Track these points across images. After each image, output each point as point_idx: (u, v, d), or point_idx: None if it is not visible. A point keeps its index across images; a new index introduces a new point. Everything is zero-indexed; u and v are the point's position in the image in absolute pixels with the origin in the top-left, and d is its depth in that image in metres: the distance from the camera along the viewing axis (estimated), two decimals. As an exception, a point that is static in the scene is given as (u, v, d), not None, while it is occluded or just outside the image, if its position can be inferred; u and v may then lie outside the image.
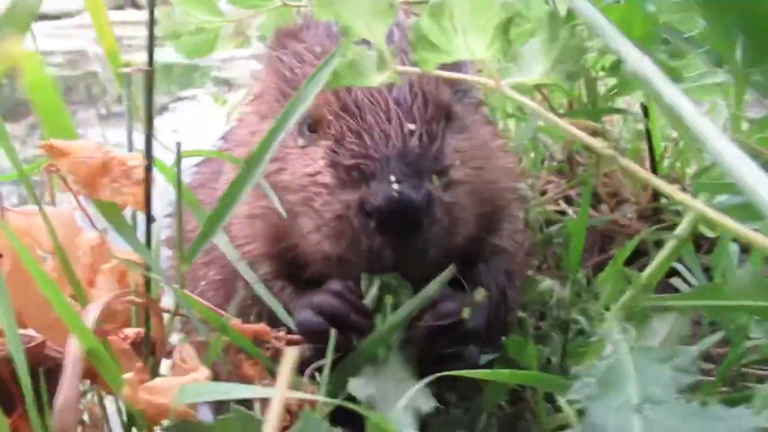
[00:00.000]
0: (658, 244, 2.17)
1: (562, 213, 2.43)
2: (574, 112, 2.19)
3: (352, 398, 1.11)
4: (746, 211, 0.93)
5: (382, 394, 1.13)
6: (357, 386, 1.12)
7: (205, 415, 1.50)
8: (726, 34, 1.06)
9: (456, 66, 1.17)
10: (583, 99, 2.17)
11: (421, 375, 1.21)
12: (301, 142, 1.35)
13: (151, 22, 0.99)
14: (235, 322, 1.11)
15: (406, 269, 1.24)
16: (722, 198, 1.09)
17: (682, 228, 1.20)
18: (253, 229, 1.42)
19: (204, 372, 0.94)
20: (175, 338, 1.47)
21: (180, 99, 6.65)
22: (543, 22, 0.90)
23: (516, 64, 0.94)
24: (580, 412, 0.99)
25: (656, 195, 2.26)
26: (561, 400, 1.25)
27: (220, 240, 1.34)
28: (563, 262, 2.14)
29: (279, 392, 0.51)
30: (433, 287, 1.23)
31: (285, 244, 1.37)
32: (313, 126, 1.34)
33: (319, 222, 1.26)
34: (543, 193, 2.47)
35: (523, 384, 1.59)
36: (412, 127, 1.24)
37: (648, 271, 1.23)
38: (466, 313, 1.28)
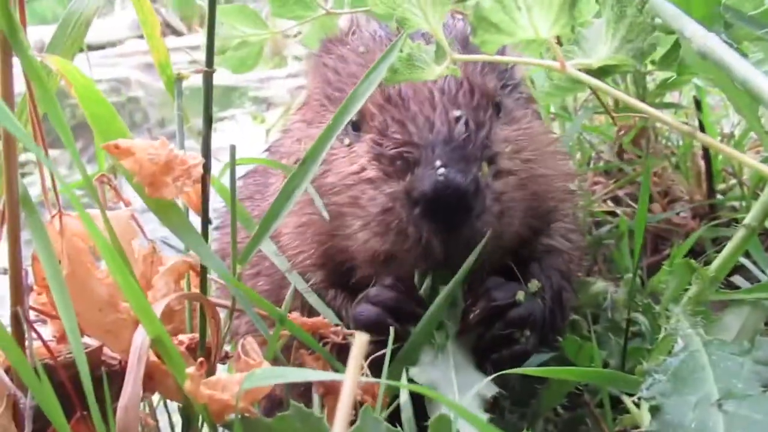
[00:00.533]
0: (715, 243, 2.10)
1: (611, 213, 2.36)
2: (622, 108, 2.13)
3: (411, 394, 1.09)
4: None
5: (442, 380, 1.11)
6: (417, 373, 1.10)
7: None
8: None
9: (500, 53, 1.14)
10: (631, 95, 2.11)
11: (477, 363, 1.19)
12: (347, 140, 1.33)
13: (211, 23, 0.99)
14: (294, 315, 1.10)
15: (457, 262, 1.19)
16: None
17: (752, 216, 1.14)
18: (303, 239, 1.40)
19: (267, 366, 0.93)
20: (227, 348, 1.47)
21: (220, 119, 6.80)
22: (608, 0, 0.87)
23: (580, 47, 0.90)
24: (653, 410, 0.93)
25: (711, 191, 2.18)
26: (627, 400, 1.20)
27: (269, 249, 1.33)
28: (615, 264, 2.08)
29: (350, 376, 0.48)
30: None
31: (335, 250, 1.34)
32: (358, 123, 1.32)
33: (366, 219, 1.23)
34: (591, 193, 2.41)
35: (581, 387, 1.53)
36: (457, 113, 1.21)
37: (716, 263, 1.17)
38: (520, 295, 1.25)
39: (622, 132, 2.30)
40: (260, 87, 8.25)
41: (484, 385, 1.10)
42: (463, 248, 1.17)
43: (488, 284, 1.26)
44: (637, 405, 1.16)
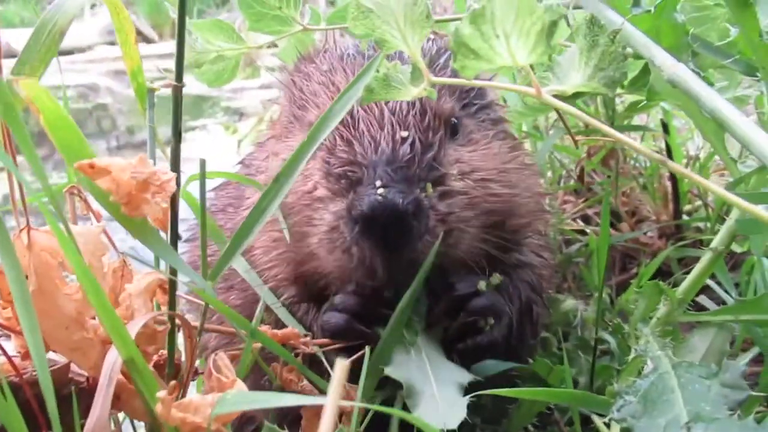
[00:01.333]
0: (681, 262, 2.14)
1: (581, 232, 2.40)
2: (591, 131, 2.17)
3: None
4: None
5: (418, 375, 1.11)
6: (393, 371, 1.10)
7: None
8: (759, 38, 1.04)
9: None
10: (600, 117, 2.15)
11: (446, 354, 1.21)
12: None
13: (181, 38, 0.98)
14: (265, 328, 1.09)
15: (402, 283, 1.19)
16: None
17: (718, 240, 1.17)
18: (276, 254, 1.39)
19: (240, 385, 0.91)
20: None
21: (191, 129, 6.73)
22: (581, 28, 0.89)
23: (554, 73, 0.92)
24: None
25: (677, 212, 2.23)
26: (597, 420, 1.21)
27: (240, 265, 1.32)
28: (585, 282, 2.11)
29: (331, 399, 0.48)
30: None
31: (304, 266, 1.34)
32: None
33: (318, 237, 1.25)
34: (561, 212, 2.45)
35: (551, 407, 1.55)
36: (404, 134, 1.22)
37: (684, 285, 1.19)
38: (481, 285, 1.26)
39: (592, 153, 2.35)
40: (233, 97, 8.21)
41: (460, 373, 1.11)
42: (406, 268, 1.18)
43: (451, 279, 1.27)
44: (607, 425, 1.17)
